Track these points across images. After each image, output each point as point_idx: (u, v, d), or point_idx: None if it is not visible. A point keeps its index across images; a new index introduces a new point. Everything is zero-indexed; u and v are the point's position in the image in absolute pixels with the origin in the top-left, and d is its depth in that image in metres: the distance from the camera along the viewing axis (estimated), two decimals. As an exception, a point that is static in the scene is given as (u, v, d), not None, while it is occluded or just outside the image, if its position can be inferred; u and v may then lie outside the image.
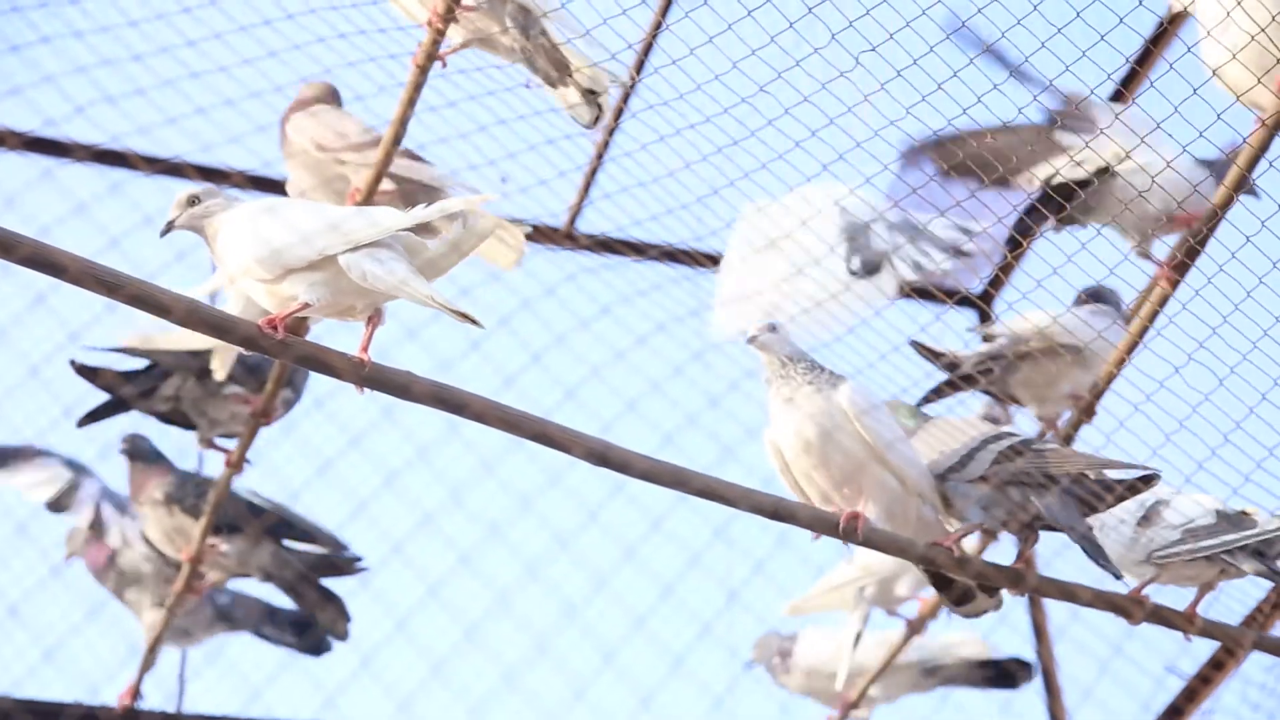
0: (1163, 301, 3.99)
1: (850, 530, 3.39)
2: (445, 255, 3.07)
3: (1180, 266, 3.92)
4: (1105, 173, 4.30)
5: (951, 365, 4.39)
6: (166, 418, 4.65)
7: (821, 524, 3.42)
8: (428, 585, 3.08)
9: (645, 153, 3.96)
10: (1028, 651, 5.22)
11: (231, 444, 4.50)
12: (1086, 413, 4.29)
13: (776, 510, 3.35)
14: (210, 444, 4.63)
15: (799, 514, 3.40)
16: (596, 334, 3.22)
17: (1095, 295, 4.50)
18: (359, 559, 4.74)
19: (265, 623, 4.95)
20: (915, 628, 4.80)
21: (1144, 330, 4.03)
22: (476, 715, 3.09)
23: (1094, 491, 3.54)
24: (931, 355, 4.37)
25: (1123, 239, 4.40)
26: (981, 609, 3.74)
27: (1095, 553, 3.50)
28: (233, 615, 4.94)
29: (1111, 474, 3.57)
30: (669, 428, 3.28)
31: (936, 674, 5.22)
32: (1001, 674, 5.18)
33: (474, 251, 3.12)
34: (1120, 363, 4.16)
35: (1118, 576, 3.55)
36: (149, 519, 4.73)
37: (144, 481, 4.74)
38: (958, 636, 5.19)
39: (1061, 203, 4.35)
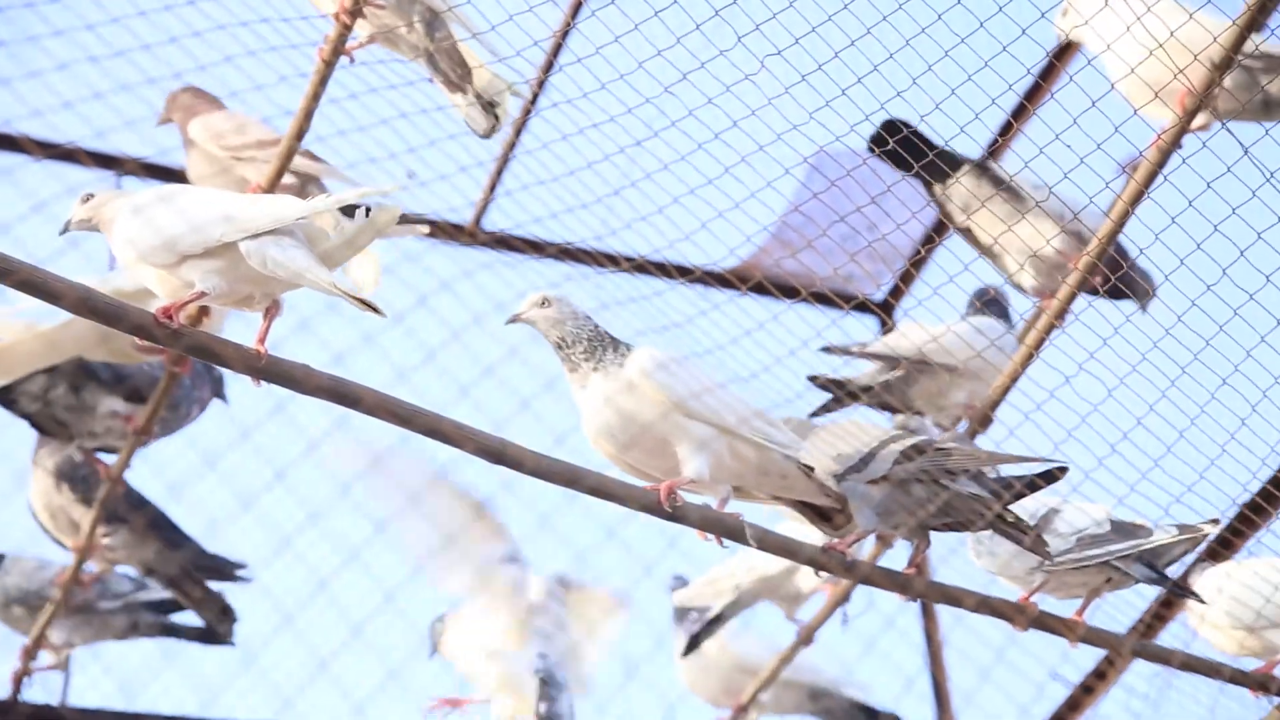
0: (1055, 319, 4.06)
1: (672, 504, 3.28)
2: (345, 246, 3.06)
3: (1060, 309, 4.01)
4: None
5: (853, 395, 4.42)
6: (35, 421, 4.56)
7: (641, 502, 3.30)
8: (316, 581, 3.06)
9: (548, 151, 3.96)
10: (919, 660, 5.25)
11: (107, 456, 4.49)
12: (981, 423, 4.33)
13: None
14: (88, 455, 4.57)
15: (691, 516, 3.36)
16: (492, 331, 3.21)
17: (985, 299, 4.55)
18: (242, 566, 4.71)
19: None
20: (804, 638, 4.82)
21: (1039, 342, 4.10)
22: (361, 713, 3.07)
23: (994, 490, 3.54)
24: (834, 386, 4.39)
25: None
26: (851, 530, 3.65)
27: (1038, 543, 3.50)
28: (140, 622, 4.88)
29: (1016, 469, 3.57)
30: (563, 427, 3.26)
31: (821, 702, 5.26)
32: None
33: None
34: (1015, 375, 4.21)
35: (1048, 558, 3.55)
36: (37, 484, 4.68)
37: (41, 445, 4.68)
38: (852, 676, 5.22)
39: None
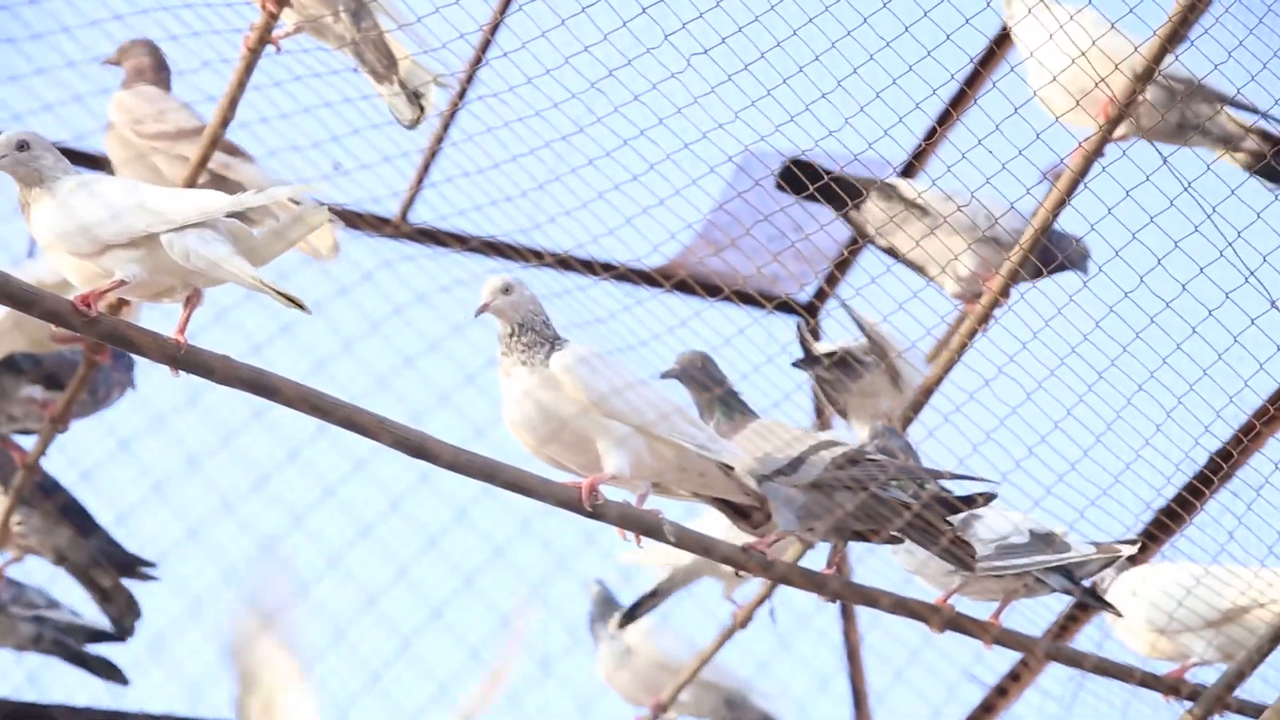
0: (964, 346, 4.12)
1: (593, 501, 3.27)
2: (270, 243, 3.04)
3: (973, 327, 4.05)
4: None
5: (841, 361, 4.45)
6: None
7: (567, 501, 3.28)
8: (222, 571, 3.04)
9: (475, 145, 3.95)
10: (836, 659, 5.27)
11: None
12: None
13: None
14: (4, 440, 4.52)
15: (610, 513, 3.36)
16: (413, 323, 3.20)
17: None
18: (152, 564, 4.67)
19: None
20: (740, 620, 4.83)
21: (953, 360, 4.14)
22: (267, 706, 3.05)
23: (927, 504, 3.56)
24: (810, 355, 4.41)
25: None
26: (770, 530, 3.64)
27: (956, 548, 3.52)
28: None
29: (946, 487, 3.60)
30: (484, 419, 3.25)
31: (735, 711, 5.26)
32: None
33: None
34: (929, 391, 4.26)
35: (970, 569, 3.57)
36: None
37: None
38: (769, 687, 5.24)
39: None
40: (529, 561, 3.36)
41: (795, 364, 4.47)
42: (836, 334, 4.65)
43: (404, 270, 3.27)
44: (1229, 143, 4.30)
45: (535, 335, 3.38)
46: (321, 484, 3.01)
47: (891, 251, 4.57)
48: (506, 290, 3.39)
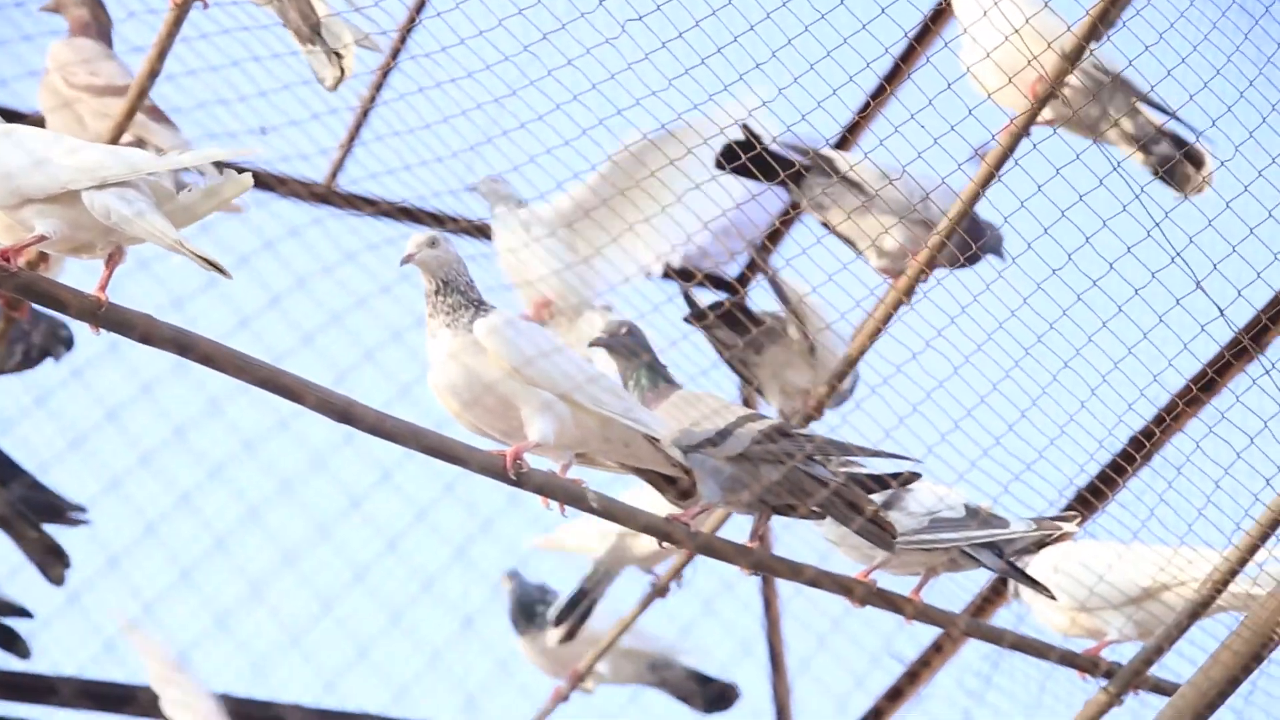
0: (888, 317, 4.13)
1: (517, 469, 3.25)
2: (195, 205, 3.00)
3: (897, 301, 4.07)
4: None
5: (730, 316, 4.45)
6: None
7: (490, 468, 3.26)
8: (145, 524, 3.00)
9: (407, 105, 3.93)
10: (757, 627, 5.29)
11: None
12: (816, 410, 4.37)
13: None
14: None
15: (533, 482, 3.34)
16: (340, 280, 3.17)
17: None
18: (82, 509, 4.61)
19: None
20: (659, 589, 4.83)
21: (874, 334, 4.16)
22: (187, 658, 3.03)
23: (849, 481, 3.56)
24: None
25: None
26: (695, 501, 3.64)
27: (873, 526, 3.52)
28: None
29: (870, 467, 3.60)
30: (408, 378, 3.23)
31: (659, 673, 5.27)
32: (713, 695, 5.24)
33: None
34: (852, 363, 4.27)
35: (889, 548, 3.58)
36: None
37: None
38: (690, 644, 5.24)
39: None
40: (452, 525, 3.34)
41: (686, 318, 4.46)
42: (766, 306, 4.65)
43: (332, 227, 3.23)
44: (1140, 141, 4.35)
45: (460, 297, 3.36)
46: (242, 440, 2.97)
47: (825, 224, 4.57)
48: (433, 244, 3.37)
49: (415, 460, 3.07)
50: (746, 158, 4.22)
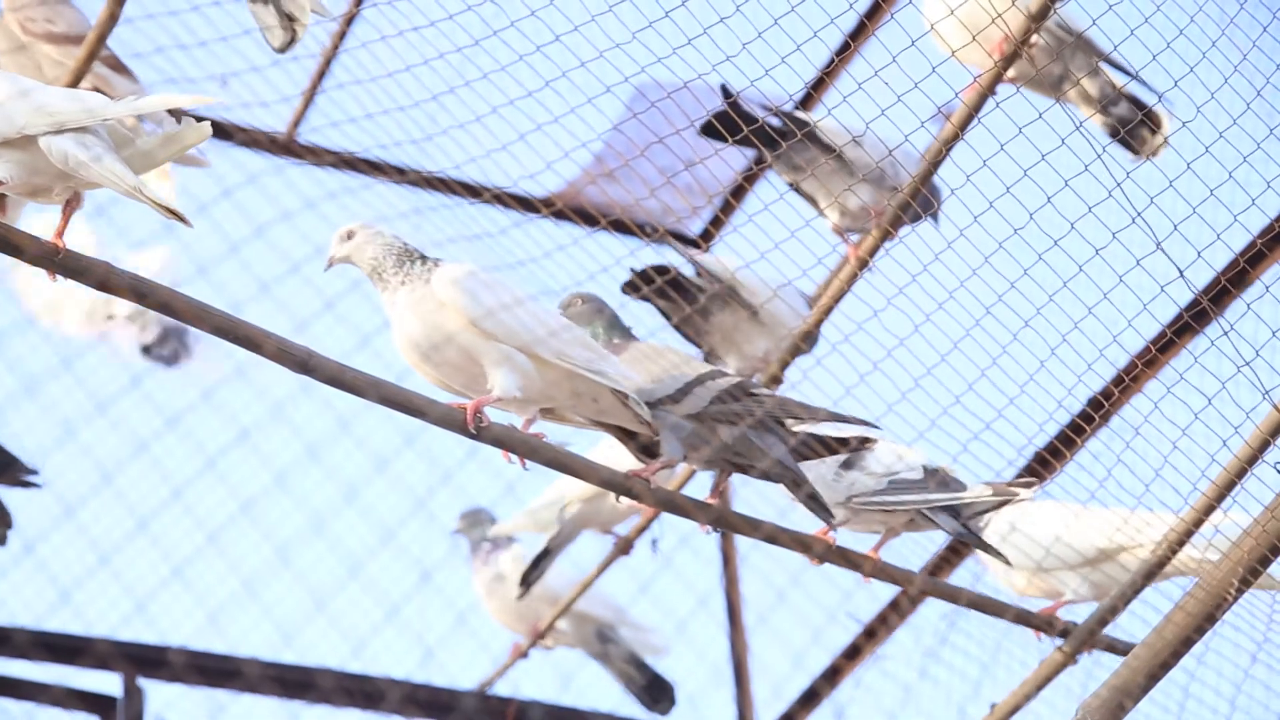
0: (853, 277, 4.14)
1: (477, 423, 3.24)
2: (154, 151, 2.98)
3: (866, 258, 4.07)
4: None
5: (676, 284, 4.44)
6: None
7: (450, 421, 3.25)
8: (101, 475, 2.98)
9: (369, 53, 3.90)
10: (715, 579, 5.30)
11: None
12: (772, 380, 4.37)
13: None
14: None
15: (492, 435, 3.32)
16: (301, 230, 3.15)
17: None
18: (34, 471, 4.57)
19: None
20: (622, 547, 4.83)
21: (835, 301, 4.16)
22: (143, 610, 3.01)
23: (805, 443, 3.57)
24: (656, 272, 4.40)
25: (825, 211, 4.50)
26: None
27: (813, 503, 3.53)
28: None
29: (828, 430, 3.60)
30: (369, 328, 3.22)
31: (605, 646, 5.27)
32: (649, 686, 5.24)
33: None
34: (808, 334, 4.28)
35: (830, 523, 3.59)
36: None
37: None
38: (649, 627, 5.25)
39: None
40: (414, 476, 3.33)
41: (623, 288, 4.46)
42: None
43: (293, 176, 3.21)
44: (1101, 102, 4.35)
45: (397, 259, 3.36)
46: (199, 388, 2.95)
47: (791, 185, 4.56)
48: (349, 236, 3.37)
49: (375, 413, 3.06)
50: (726, 126, 4.22)
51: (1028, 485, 3.78)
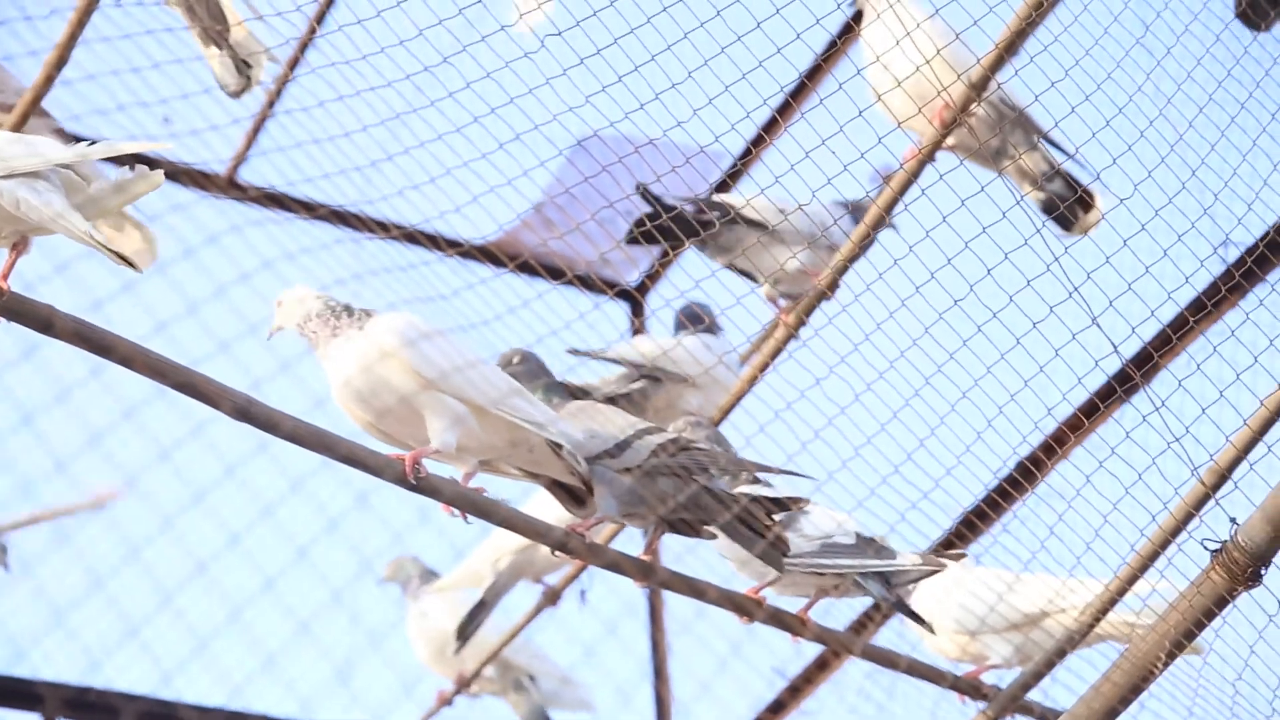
0: (785, 340, 4.19)
1: (416, 474, 3.25)
2: (106, 198, 2.97)
3: (799, 320, 4.13)
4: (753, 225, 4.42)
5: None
6: None
7: (388, 471, 3.25)
8: (56, 531, 2.97)
9: (317, 110, 3.90)
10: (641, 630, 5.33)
11: None
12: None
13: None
14: None
15: (438, 489, 3.33)
16: (257, 289, 3.16)
17: (693, 318, 4.63)
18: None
19: None
20: (550, 597, 4.85)
21: (765, 365, 4.21)
22: (95, 668, 3.00)
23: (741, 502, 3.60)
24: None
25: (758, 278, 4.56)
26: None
27: (771, 551, 3.57)
28: None
29: (762, 489, 3.63)
30: (322, 390, 3.22)
31: (521, 694, 5.28)
32: None
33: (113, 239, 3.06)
34: (740, 395, 4.33)
35: (780, 569, 3.62)
36: None
37: None
38: (576, 681, 5.26)
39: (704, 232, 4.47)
40: (365, 535, 3.34)
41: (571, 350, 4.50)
42: (658, 331, 4.70)
43: (251, 236, 3.21)
44: (1038, 179, 4.43)
45: (324, 315, 3.40)
46: (157, 446, 2.95)
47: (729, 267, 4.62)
48: (280, 305, 3.43)
49: (328, 470, 3.06)
50: (653, 225, 4.28)
51: (956, 557, 3.85)
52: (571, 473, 3.53)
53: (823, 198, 4.03)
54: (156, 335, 2.92)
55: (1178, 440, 3.55)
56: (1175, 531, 3.66)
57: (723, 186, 4.84)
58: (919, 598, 4.19)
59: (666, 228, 4.32)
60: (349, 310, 3.41)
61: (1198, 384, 3.75)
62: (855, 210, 4.47)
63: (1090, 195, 4.46)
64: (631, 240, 4.40)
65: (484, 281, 3.95)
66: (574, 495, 3.58)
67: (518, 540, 4.74)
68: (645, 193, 4.31)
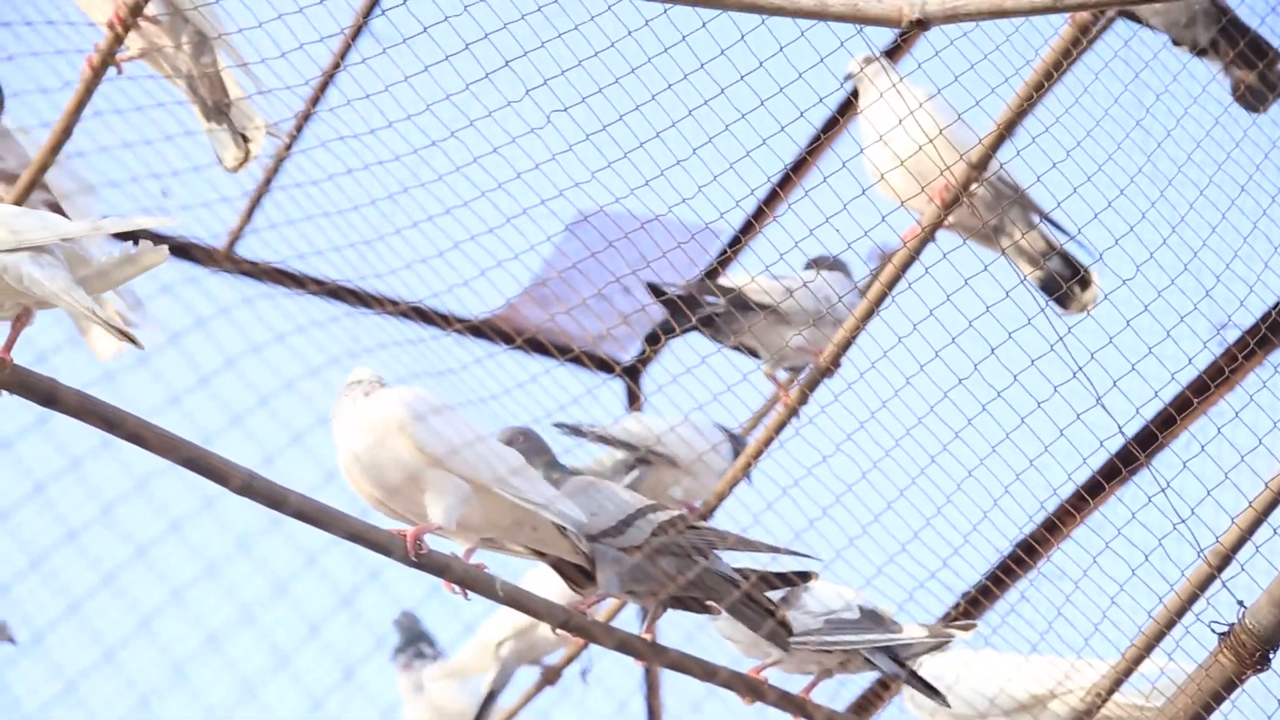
0: (786, 419, 4.19)
1: (417, 550, 3.24)
2: (110, 272, 2.95)
3: (801, 397, 4.13)
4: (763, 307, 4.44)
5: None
6: None
7: (396, 549, 3.23)
8: (66, 605, 2.94)
9: (315, 186, 3.91)
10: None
11: None
12: (701, 518, 4.40)
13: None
14: None
15: (440, 566, 3.31)
16: (268, 361, 3.14)
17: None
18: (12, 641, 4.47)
19: None
20: (549, 677, 4.81)
21: (766, 443, 4.21)
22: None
23: (741, 576, 3.59)
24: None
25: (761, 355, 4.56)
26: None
27: (778, 631, 3.55)
28: None
29: (768, 564, 3.62)
30: (331, 465, 3.20)
31: None
32: None
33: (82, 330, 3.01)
34: (734, 481, 4.33)
35: (785, 649, 3.60)
36: None
37: None
38: None
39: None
40: (375, 610, 3.31)
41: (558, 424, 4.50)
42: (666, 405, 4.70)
43: (261, 307, 3.20)
44: (1035, 258, 4.45)
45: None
46: (167, 519, 2.92)
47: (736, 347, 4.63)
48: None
49: (338, 544, 3.04)
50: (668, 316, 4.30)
51: (964, 628, 3.81)
52: (576, 552, 3.50)
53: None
54: (169, 407, 2.89)
55: (1183, 522, 3.55)
56: (1181, 613, 3.65)
57: (722, 262, 4.85)
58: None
59: (682, 319, 4.33)
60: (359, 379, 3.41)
61: (1201, 464, 3.75)
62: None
63: (1088, 273, 4.47)
64: (653, 340, 4.42)
65: (480, 360, 3.95)
66: (579, 572, 3.56)
67: (518, 623, 4.71)
68: (653, 289, 4.33)
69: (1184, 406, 3.98)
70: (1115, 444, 3.90)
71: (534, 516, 3.42)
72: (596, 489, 3.69)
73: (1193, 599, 3.65)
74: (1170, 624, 3.69)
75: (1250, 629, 3.45)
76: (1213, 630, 3.51)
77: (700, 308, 4.40)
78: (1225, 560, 3.60)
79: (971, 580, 4.11)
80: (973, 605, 4.31)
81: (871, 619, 3.77)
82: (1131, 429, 3.87)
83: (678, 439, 4.52)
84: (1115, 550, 3.67)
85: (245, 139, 3.93)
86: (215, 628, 2.90)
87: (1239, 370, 4.05)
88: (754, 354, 4.56)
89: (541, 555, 3.56)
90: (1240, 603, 3.50)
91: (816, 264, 4.59)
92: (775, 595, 3.67)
